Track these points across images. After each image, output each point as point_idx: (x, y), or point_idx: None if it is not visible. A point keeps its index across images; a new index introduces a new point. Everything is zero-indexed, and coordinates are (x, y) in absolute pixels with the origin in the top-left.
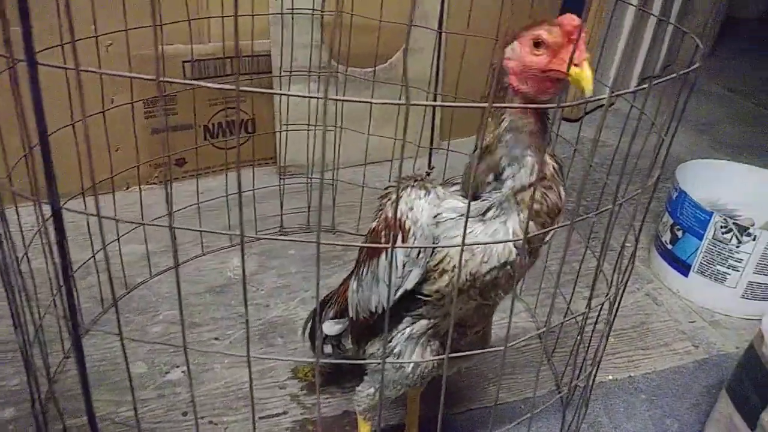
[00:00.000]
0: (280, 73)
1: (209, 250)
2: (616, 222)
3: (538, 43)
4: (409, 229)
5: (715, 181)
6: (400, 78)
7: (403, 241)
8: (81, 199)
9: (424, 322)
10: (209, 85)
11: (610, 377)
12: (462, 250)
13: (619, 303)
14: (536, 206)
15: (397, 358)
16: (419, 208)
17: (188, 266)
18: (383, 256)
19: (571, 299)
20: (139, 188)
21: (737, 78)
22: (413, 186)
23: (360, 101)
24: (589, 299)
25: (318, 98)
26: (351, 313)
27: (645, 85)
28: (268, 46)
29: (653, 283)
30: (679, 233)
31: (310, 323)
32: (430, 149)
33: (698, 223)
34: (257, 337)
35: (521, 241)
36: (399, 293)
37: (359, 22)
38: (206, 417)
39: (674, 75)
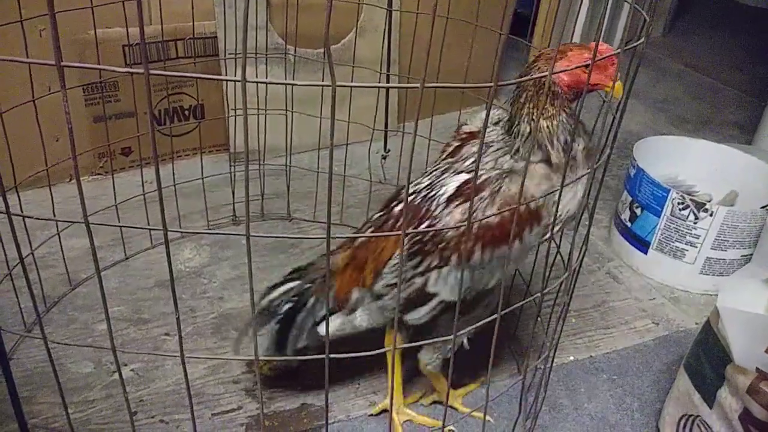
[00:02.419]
0: (225, 56)
1: (158, 243)
2: None
3: (587, 65)
4: (544, 217)
5: (674, 158)
6: (353, 59)
7: (538, 225)
8: (14, 194)
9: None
10: (113, 68)
11: (571, 358)
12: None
13: (575, 282)
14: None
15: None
16: (550, 194)
17: (137, 260)
18: (517, 241)
19: (530, 280)
20: (78, 180)
21: (696, 54)
22: (540, 177)
23: (281, 83)
24: (545, 279)
25: (236, 81)
26: (452, 297)
27: (586, 62)
28: (214, 28)
29: (614, 261)
30: (638, 211)
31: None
32: (385, 132)
33: (656, 200)
34: (210, 331)
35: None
36: None
37: (310, 2)
38: (157, 416)
39: (618, 50)
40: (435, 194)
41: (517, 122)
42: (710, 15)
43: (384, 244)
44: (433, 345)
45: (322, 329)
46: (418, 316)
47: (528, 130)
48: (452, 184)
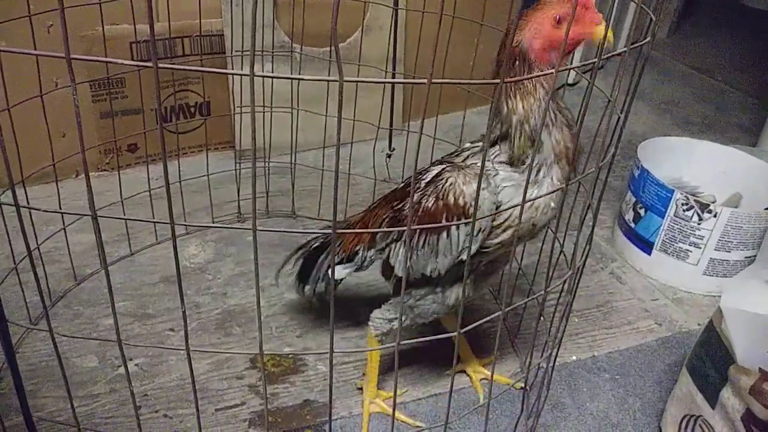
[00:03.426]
0: (232, 53)
1: (164, 239)
2: (577, 200)
3: (559, 20)
4: (469, 214)
5: (678, 159)
6: (359, 57)
7: (467, 224)
8: (21, 188)
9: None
10: (123, 62)
11: (574, 358)
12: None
13: (578, 281)
14: (569, 155)
15: (444, 297)
16: (482, 198)
17: (142, 255)
18: (444, 234)
19: (533, 279)
20: (86, 172)
21: (701, 56)
22: (467, 180)
23: (289, 77)
24: (547, 278)
25: (244, 75)
26: (400, 273)
27: (593, 60)
28: (221, 25)
29: (617, 261)
30: (642, 211)
31: (297, 264)
32: (390, 130)
33: (660, 200)
34: (214, 327)
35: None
36: (457, 260)
37: (317, 0)
38: (161, 410)
39: (624, 49)
40: (420, 179)
41: (497, 106)
42: (716, 17)
43: (380, 212)
44: (392, 308)
45: (335, 272)
46: (387, 284)
47: (505, 110)
48: (432, 172)
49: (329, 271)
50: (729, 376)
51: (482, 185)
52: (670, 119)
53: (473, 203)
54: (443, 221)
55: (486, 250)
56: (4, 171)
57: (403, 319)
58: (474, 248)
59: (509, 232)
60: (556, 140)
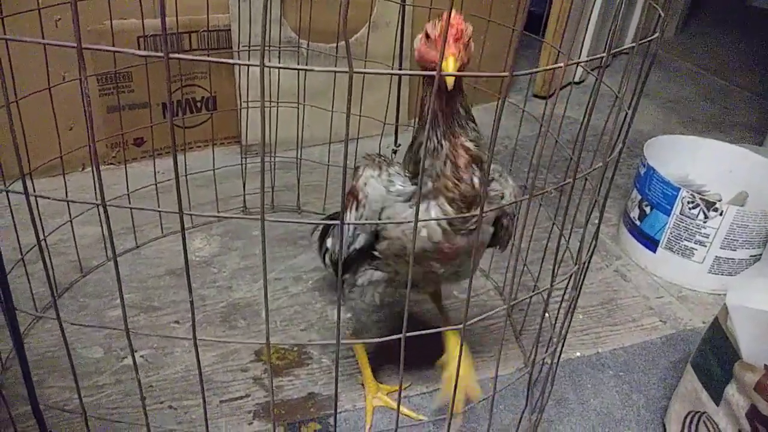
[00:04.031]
0: (239, 48)
1: (169, 231)
2: (583, 198)
3: (427, 36)
4: (361, 200)
5: (684, 157)
6: (365, 53)
7: (357, 208)
8: (29, 180)
9: (379, 273)
10: (135, 52)
11: (578, 354)
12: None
13: (583, 277)
14: (449, 194)
15: (362, 292)
16: (371, 185)
17: (148, 248)
18: (347, 214)
19: (538, 276)
20: (95, 161)
21: (708, 55)
22: (370, 165)
23: (300, 69)
24: (553, 274)
25: (255, 66)
26: (335, 250)
27: (601, 55)
28: (227, 21)
29: (622, 259)
30: (647, 209)
31: (319, 232)
32: (396, 126)
33: (666, 198)
34: (219, 320)
35: (444, 223)
36: (350, 249)
37: None
38: (165, 401)
39: (632, 45)
40: None
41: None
42: (722, 17)
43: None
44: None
45: (329, 243)
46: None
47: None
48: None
49: (326, 242)
50: (734, 373)
51: (374, 174)
52: (676, 118)
53: (363, 189)
54: (348, 204)
55: (378, 255)
56: (14, 161)
57: (350, 315)
58: (362, 239)
59: (385, 243)
60: (436, 173)
